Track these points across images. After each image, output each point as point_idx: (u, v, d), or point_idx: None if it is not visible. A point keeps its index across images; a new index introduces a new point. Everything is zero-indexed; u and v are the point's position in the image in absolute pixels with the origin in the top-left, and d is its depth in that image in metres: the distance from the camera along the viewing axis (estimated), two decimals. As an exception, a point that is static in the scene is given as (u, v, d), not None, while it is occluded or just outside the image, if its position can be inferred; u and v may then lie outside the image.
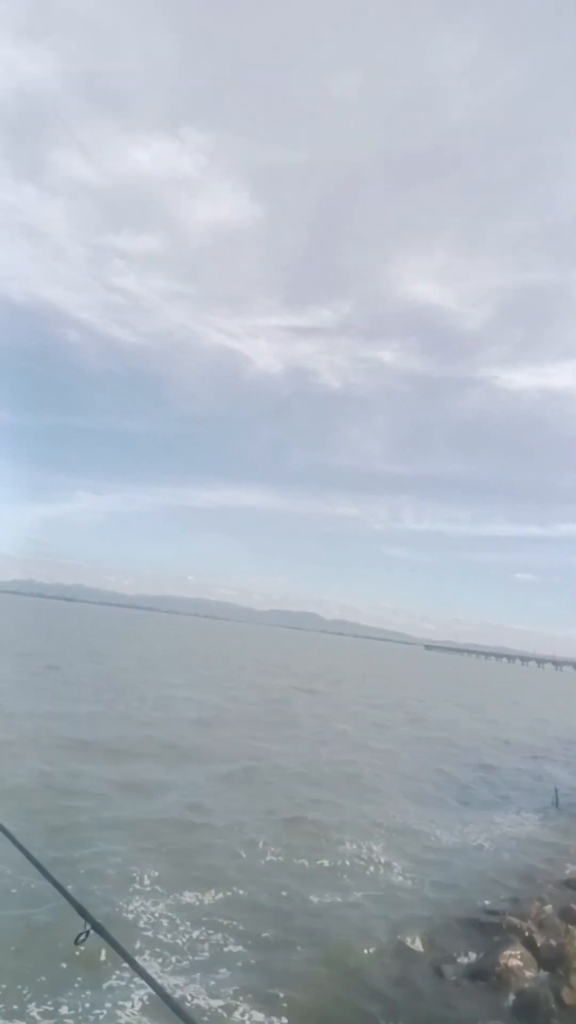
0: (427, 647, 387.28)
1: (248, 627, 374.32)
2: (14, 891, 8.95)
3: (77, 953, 7.29)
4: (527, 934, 9.20)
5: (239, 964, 8.14)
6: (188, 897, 9.76)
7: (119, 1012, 6.79)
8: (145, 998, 6.93)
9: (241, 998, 7.30)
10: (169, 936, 8.55)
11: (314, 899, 10.35)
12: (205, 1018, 6.85)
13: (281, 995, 7.43)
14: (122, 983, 7.24)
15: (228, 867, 11.09)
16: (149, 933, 8.54)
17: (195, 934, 8.72)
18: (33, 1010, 6.76)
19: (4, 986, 7.08)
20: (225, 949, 8.50)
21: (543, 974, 8.44)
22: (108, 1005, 6.89)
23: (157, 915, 9.04)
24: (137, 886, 9.74)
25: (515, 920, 9.57)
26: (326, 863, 11.94)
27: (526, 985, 8.15)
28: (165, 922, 8.89)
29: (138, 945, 8.13)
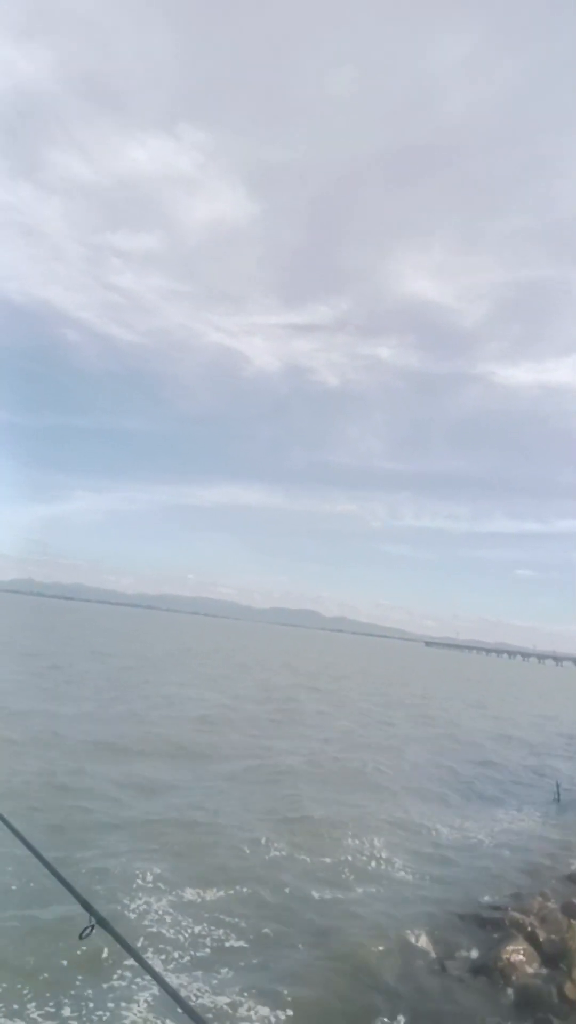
0: (427, 644, 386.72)
1: (248, 625, 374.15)
2: (18, 887, 8.99)
3: (81, 949, 7.32)
4: (529, 929, 9.23)
5: (242, 960, 8.18)
6: (192, 894, 9.79)
7: (124, 1007, 6.80)
8: (149, 994, 6.95)
9: (245, 994, 7.33)
10: (173, 932, 8.58)
11: (317, 896, 10.39)
12: (209, 1014, 6.85)
13: (285, 991, 7.46)
14: (126, 979, 7.26)
15: (232, 864, 11.12)
16: (153, 929, 8.56)
17: (198, 930, 8.76)
18: (38, 1005, 6.79)
19: (9, 980, 7.11)
20: (228, 945, 8.53)
21: (545, 969, 8.47)
22: (113, 1000, 6.91)
23: (161, 911, 9.07)
24: (141, 883, 9.75)
25: (517, 915, 9.60)
26: (329, 860, 11.96)
27: (529, 980, 8.18)
28: (169, 918, 8.92)
29: (142, 941, 8.15)
